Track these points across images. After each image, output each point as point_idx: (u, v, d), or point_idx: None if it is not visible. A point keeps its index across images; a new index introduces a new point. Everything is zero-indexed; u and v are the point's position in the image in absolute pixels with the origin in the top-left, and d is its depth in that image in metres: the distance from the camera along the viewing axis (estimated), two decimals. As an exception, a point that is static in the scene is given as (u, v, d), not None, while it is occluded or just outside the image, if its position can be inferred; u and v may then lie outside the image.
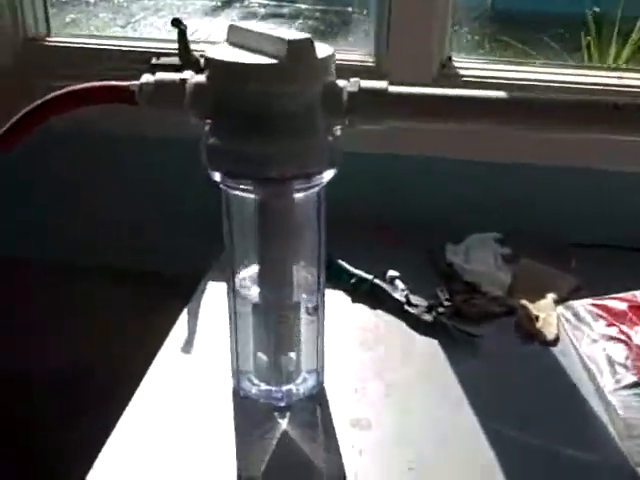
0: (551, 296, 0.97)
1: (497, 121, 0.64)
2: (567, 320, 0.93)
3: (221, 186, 0.68)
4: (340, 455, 0.70)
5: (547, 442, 0.74)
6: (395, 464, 0.70)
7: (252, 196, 0.68)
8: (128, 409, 0.75)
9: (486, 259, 1.02)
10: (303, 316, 0.75)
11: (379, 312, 0.94)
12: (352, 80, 0.64)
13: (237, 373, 0.77)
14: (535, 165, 1.12)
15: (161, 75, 0.65)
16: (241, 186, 0.67)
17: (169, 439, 0.72)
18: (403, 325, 0.92)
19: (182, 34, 1.06)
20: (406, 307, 0.93)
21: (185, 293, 1.02)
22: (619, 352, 0.84)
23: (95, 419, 0.80)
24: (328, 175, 0.67)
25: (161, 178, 1.20)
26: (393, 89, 0.64)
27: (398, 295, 0.95)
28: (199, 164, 0.67)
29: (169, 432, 0.73)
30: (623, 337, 0.87)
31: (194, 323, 0.90)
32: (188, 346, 0.86)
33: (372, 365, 0.84)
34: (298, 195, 0.68)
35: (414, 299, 0.93)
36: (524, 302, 0.95)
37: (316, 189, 0.68)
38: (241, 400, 0.77)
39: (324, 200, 0.70)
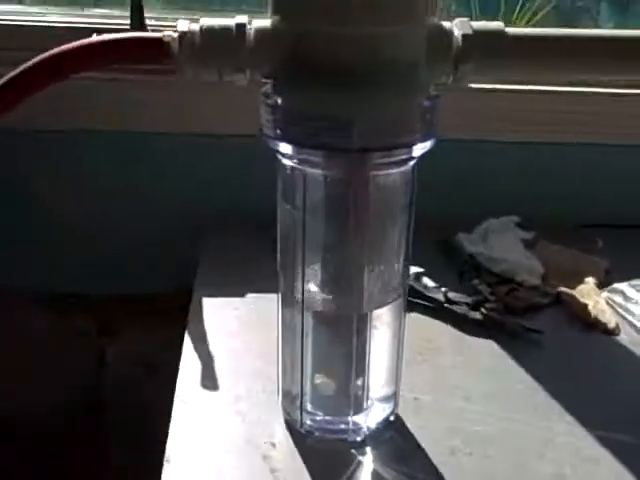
0: (592, 280, 0.86)
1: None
2: (619, 305, 0.82)
3: (282, 160, 0.52)
4: (454, 494, 0.56)
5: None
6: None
7: (321, 172, 0.52)
8: (166, 472, 0.57)
9: (511, 246, 0.91)
10: (377, 331, 0.59)
11: (414, 315, 0.80)
12: (458, 21, 0.51)
13: (296, 403, 0.61)
14: (537, 142, 1.02)
15: (207, 20, 0.49)
16: (309, 158, 0.51)
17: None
18: (449, 327, 0.78)
19: (138, 4, 0.88)
20: (447, 306, 0.79)
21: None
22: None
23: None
24: (420, 150, 0.52)
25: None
26: (511, 31, 0.50)
27: (432, 293, 0.81)
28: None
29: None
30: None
31: (205, 350, 0.72)
32: (209, 380, 0.68)
33: (439, 378, 0.70)
34: (380, 173, 0.53)
35: (454, 296, 0.80)
36: (567, 290, 0.84)
37: (404, 168, 0.54)
38: (301, 437, 0.61)
39: (416, 184, 0.55)
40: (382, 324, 0.60)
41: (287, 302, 0.59)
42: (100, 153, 0.99)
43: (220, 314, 0.79)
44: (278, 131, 0.51)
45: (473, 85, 0.97)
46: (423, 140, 0.51)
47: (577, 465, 0.60)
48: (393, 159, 0.50)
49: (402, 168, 0.53)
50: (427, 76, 0.50)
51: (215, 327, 0.76)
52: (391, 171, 0.53)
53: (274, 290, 0.60)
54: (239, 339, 0.75)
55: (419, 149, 0.51)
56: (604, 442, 0.62)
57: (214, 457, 0.59)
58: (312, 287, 0.57)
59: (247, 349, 0.73)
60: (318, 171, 0.52)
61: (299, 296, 0.56)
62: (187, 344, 0.73)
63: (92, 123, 0.95)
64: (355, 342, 0.58)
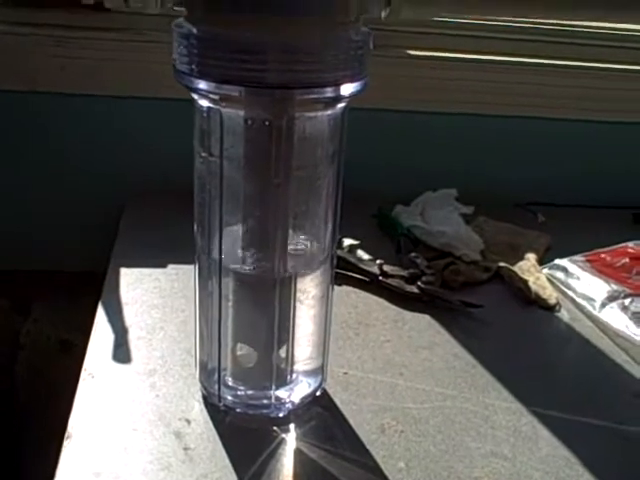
0: (532, 257, 0.83)
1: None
2: (561, 281, 0.79)
3: (198, 101, 0.47)
4: (383, 474, 0.51)
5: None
6: (454, 477, 0.51)
7: (239, 113, 0.47)
8: (66, 449, 0.51)
9: (450, 219, 0.87)
10: (303, 304, 0.54)
11: (347, 288, 0.75)
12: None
13: (215, 376, 0.55)
14: (479, 114, 0.98)
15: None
16: (227, 94, 0.45)
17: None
18: (383, 301, 0.74)
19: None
20: (382, 279, 0.75)
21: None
22: (645, 309, 0.71)
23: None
24: (347, 90, 0.47)
25: None
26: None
27: (367, 266, 0.76)
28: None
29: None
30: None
31: (119, 322, 0.66)
32: (122, 353, 0.62)
33: (372, 353, 0.65)
34: (306, 114, 0.48)
35: (390, 269, 0.76)
36: (507, 265, 0.80)
37: (332, 111, 0.49)
38: (219, 414, 0.56)
39: (345, 133, 0.50)
40: (308, 297, 0.54)
41: (204, 263, 0.53)
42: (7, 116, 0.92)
43: (139, 285, 0.73)
44: (193, 66, 0.45)
45: (411, 52, 0.93)
46: (352, 79, 0.46)
47: (516, 443, 0.56)
48: (318, 97, 0.45)
49: (329, 111, 0.48)
50: (357, 5, 0.45)
51: (133, 299, 0.70)
52: (318, 113, 0.47)
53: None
54: (158, 311, 0.69)
55: (347, 89, 0.46)
56: (543, 420, 0.59)
57: (121, 434, 0.53)
58: (231, 245, 0.52)
59: (166, 321, 0.67)
60: (236, 111, 0.46)
61: (216, 254, 0.51)
62: (100, 315, 0.67)
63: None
64: (277, 308, 0.53)
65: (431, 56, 0.93)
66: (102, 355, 0.61)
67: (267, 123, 0.46)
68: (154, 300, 0.70)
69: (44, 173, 0.93)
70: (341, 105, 0.48)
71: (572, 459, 0.54)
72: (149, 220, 0.86)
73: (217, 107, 0.46)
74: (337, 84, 0.46)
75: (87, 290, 0.73)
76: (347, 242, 0.80)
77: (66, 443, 0.52)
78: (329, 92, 0.46)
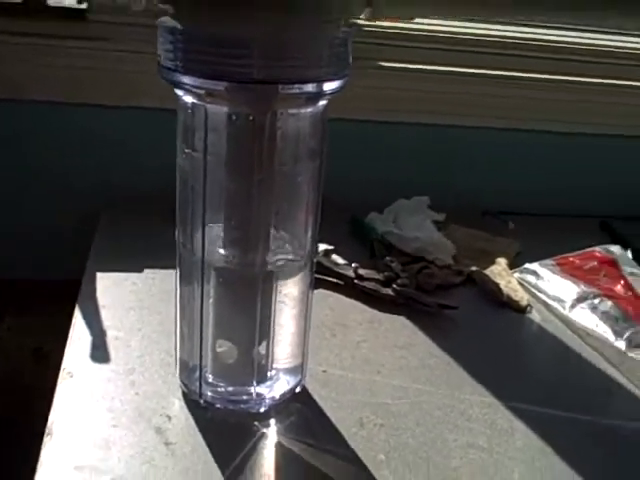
0: (503, 261, 0.84)
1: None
2: (531, 284, 0.81)
3: (183, 97, 0.48)
4: (364, 466, 0.52)
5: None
6: (433, 467, 0.52)
7: (223, 109, 0.48)
8: (47, 446, 0.51)
9: (423, 225, 0.88)
10: (284, 304, 0.55)
11: (324, 291, 0.76)
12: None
13: (195, 374, 0.56)
14: (450, 125, 1.00)
15: None
16: (211, 89, 0.46)
17: None
18: (359, 304, 0.75)
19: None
20: (357, 282, 0.76)
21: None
22: (613, 308, 0.73)
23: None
24: (330, 86, 0.48)
25: None
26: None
27: (342, 270, 0.77)
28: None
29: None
30: (608, 293, 0.76)
31: (97, 324, 0.66)
32: (100, 353, 0.62)
33: (350, 352, 0.66)
34: (288, 111, 0.49)
35: (365, 273, 0.77)
36: (479, 269, 0.82)
37: (313, 108, 0.50)
38: (200, 410, 0.56)
39: (326, 131, 0.51)
40: (289, 297, 0.55)
41: (186, 261, 0.54)
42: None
43: (116, 289, 0.73)
44: (178, 62, 0.46)
45: (383, 64, 0.95)
46: (333, 76, 0.47)
47: (492, 435, 0.57)
48: (301, 92, 0.46)
49: (310, 108, 0.49)
50: (340, 4, 0.46)
51: (110, 302, 0.70)
52: (300, 110, 0.49)
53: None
54: (135, 313, 0.69)
55: (329, 85, 0.47)
56: (518, 413, 0.60)
57: (101, 430, 0.53)
58: (213, 242, 0.53)
59: (144, 323, 0.67)
60: (220, 107, 0.47)
61: (198, 251, 0.51)
62: (77, 317, 0.67)
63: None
64: (259, 304, 0.54)
65: (401, 67, 0.95)
66: (80, 355, 0.61)
67: (251, 118, 0.47)
68: (131, 303, 0.70)
69: (15, 181, 0.93)
70: (322, 102, 0.49)
71: (546, 449, 0.56)
72: (125, 228, 0.86)
73: (201, 103, 0.47)
74: (320, 80, 0.47)
75: (63, 299, 0.73)
76: (322, 247, 0.81)
77: (47, 440, 0.52)
78: (312, 88, 0.47)
